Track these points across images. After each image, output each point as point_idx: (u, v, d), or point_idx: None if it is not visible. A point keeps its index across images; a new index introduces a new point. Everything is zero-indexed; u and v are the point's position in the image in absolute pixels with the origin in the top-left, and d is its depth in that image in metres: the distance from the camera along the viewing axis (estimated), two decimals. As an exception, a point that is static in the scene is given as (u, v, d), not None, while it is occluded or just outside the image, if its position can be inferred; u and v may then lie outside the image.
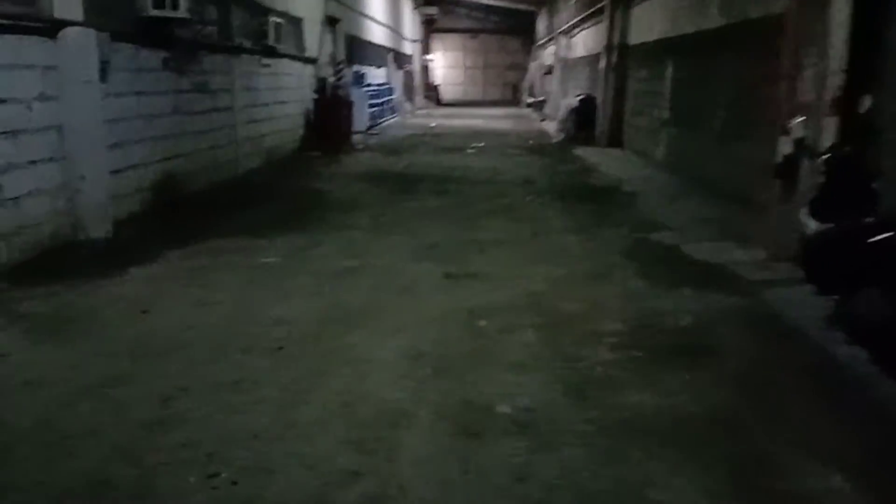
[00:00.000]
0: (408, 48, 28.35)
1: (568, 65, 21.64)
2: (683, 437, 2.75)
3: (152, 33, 6.64)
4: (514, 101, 35.31)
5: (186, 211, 6.86)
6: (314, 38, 13.06)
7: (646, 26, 11.94)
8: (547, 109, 23.59)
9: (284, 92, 11.18)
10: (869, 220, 3.79)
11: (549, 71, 25.22)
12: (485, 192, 8.56)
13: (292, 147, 11.68)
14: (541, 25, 30.26)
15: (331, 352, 3.52)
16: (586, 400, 3.03)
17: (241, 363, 3.39)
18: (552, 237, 6.12)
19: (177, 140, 7.31)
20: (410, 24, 29.06)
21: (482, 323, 3.94)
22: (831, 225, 3.95)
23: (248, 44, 9.47)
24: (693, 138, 9.09)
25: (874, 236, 3.59)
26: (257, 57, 9.79)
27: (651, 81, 11.52)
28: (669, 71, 10.35)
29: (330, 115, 12.63)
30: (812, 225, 3.91)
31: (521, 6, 30.51)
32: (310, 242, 5.83)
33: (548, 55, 26.42)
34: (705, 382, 3.22)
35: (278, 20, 10.21)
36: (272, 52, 10.26)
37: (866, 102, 4.53)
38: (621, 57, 13.34)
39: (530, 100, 28.14)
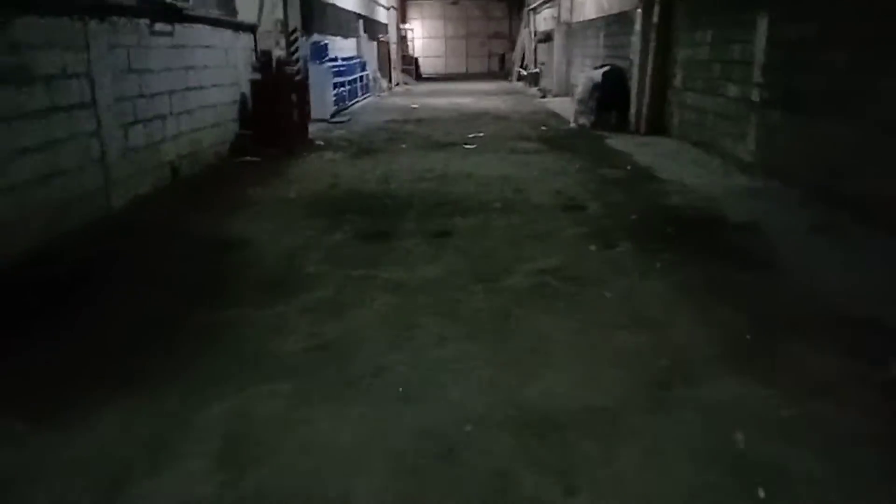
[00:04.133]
0: (382, 16, 24.61)
1: (573, 30, 18.23)
2: None
3: None
4: (502, 73, 31.84)
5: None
6: (251, -2, 9.56)
7: (709, -32, 8.59)
8: (546, 83, 20.17)
9: (201, 73, 7.70)
10: None
11: (544, 38, 21.74)
12: (510, 231, 5.24)
13: (218, 151, 8.23)
14: (532, -14, 26.62)
15: None
16: None
17: None
18: (701, 390, 2.82)
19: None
20: (384, -13, 25.28)
21: None
22: None
23: (127, 0, 6.01)
24: (832, 131, 5.79)
25: None
26: (145, 21, 6.32)
27: (721, 45, 8.19)
28: (764, 28, 7.03)
29: (275, 102, 9.16)
30: None
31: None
32: (148, 445, 2.46)
33: (543, 20, 22.89)
34: None
35: (180, -35, 6.74)
36: (175, 15, 6.80)
37: None
38: (665, 13, 9.98)
39: (523, 72, 24.66)
